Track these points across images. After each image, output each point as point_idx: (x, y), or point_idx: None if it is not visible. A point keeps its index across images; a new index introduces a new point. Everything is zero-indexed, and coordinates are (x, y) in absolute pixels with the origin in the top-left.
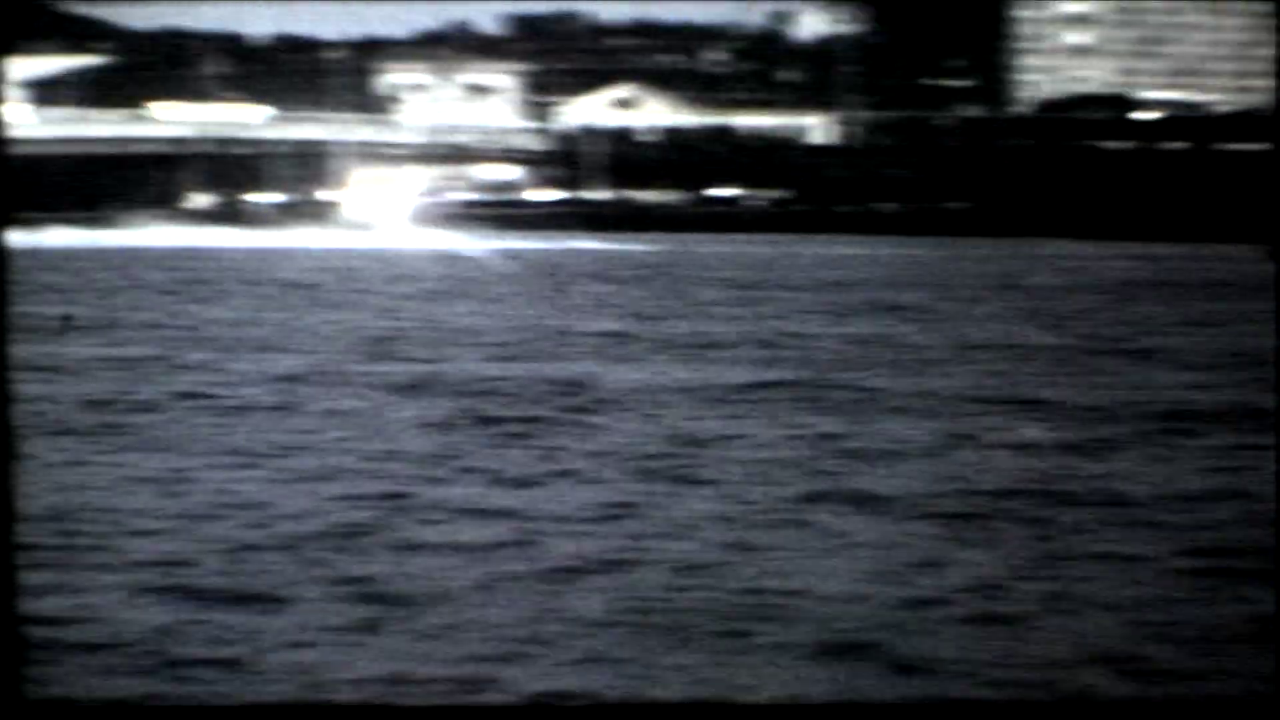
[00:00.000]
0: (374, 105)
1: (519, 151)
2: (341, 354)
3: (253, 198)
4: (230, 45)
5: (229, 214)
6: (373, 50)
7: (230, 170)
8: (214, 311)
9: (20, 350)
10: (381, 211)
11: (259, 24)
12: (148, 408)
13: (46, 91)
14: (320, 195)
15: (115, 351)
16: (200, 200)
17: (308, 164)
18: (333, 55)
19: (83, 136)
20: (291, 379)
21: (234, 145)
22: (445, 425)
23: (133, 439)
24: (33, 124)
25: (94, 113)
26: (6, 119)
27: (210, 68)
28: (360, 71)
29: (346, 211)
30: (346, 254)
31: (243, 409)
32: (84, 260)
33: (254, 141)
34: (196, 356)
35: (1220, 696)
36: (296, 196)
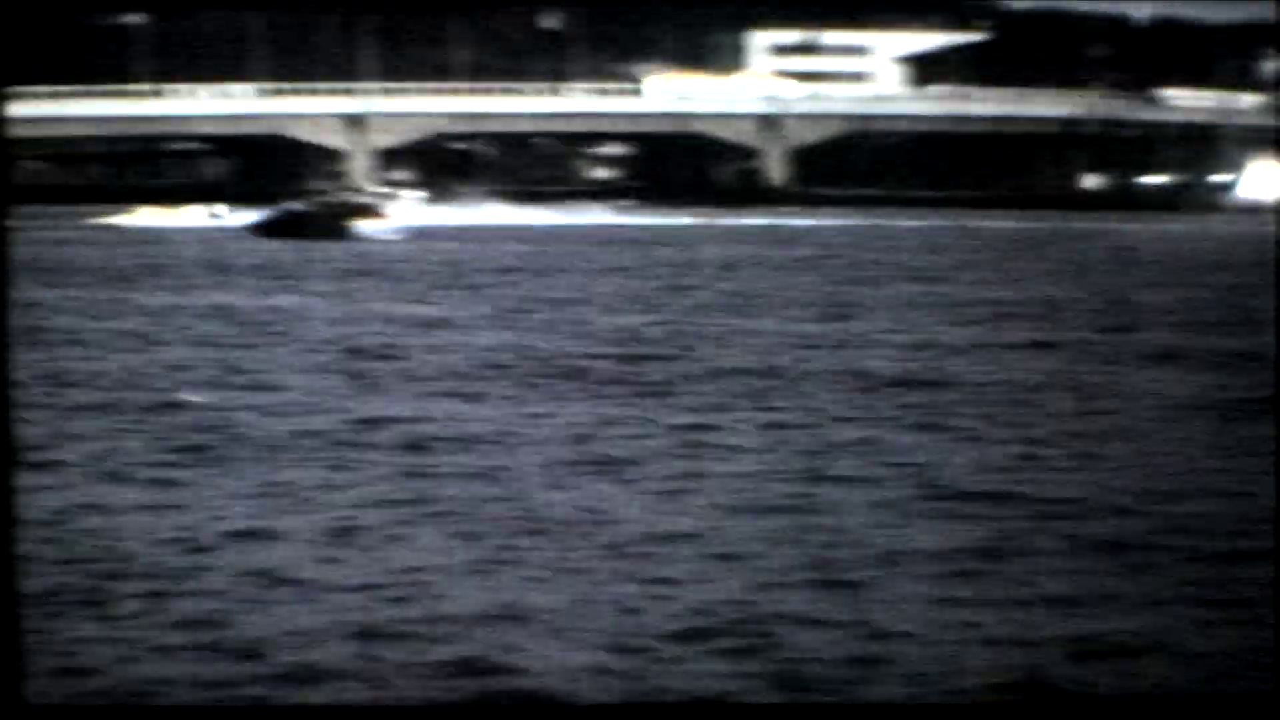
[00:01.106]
0: (1265, 88)
1: None
2: None
3: (1143, 180)
4: (1113, 27)
5: (1119, 197)
6: (1260, 34)
7: (1120, 152)
8: None
9: None
10: (1274, 194)
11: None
12: None
13: (927, 68)
14: (1211, 178)
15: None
16: (1090, 181)
17: (1197, 146)
18: (1216, 39)
19: (964, 114)
20: None
21: (1122, 127)
22: None
23: None
24: (912, 100)
25: (975, 90)
26: (6, 119)
27: (1092, 49)
28: (1249, 55)
29: (1239, 194)
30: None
31: None
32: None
33: (1143, 123)
34: None
35: (1220, 697)
36: (1186, 179)
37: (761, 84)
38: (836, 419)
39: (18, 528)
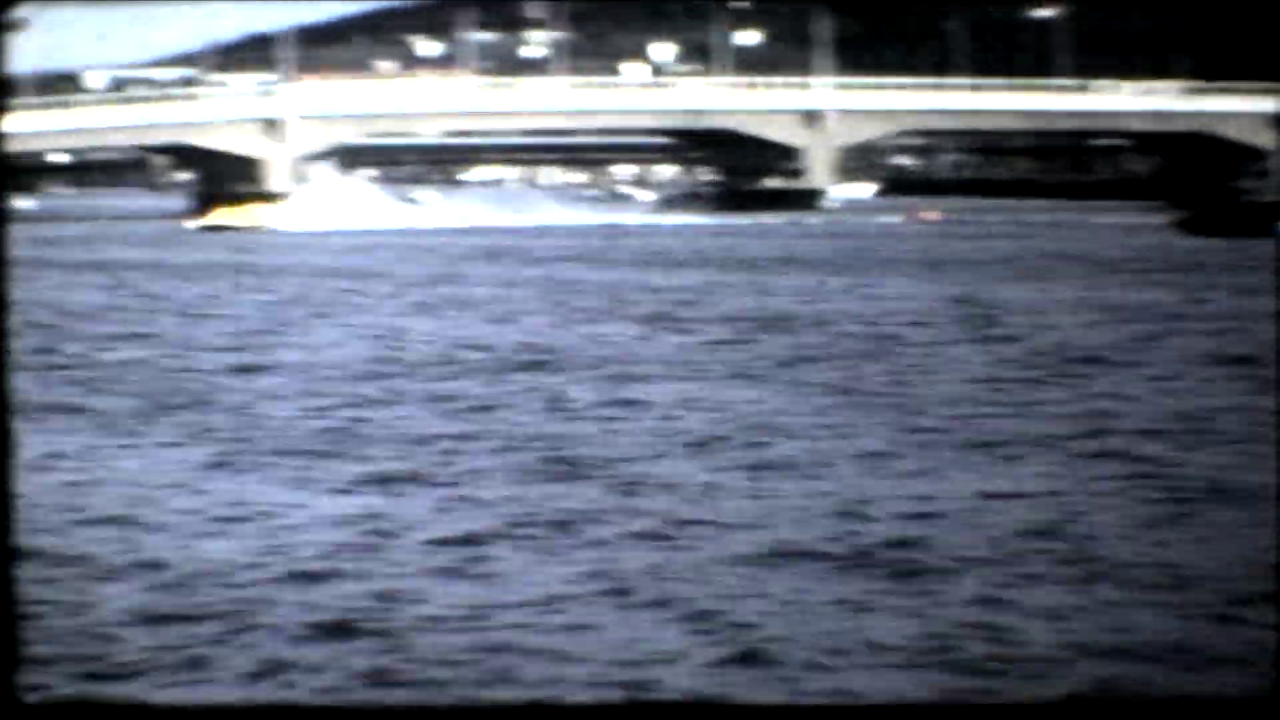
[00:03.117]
0: None
1: None
2: None
3: None
4: None
5: None
6: None
7: None
8: None
9: None
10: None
11: None
12: None
13: None
14: None
15: None
16: None
17: None
18: None
19: None
20: None
21: None
22: None
23: None
24: None
25: None
26: (6, 120)
27: None
28: None
29: None
30: None
31: None
32: None
33: None
34: None
35: (1220, 697)
36: None
37: None
38: None
39: (14, 525)
